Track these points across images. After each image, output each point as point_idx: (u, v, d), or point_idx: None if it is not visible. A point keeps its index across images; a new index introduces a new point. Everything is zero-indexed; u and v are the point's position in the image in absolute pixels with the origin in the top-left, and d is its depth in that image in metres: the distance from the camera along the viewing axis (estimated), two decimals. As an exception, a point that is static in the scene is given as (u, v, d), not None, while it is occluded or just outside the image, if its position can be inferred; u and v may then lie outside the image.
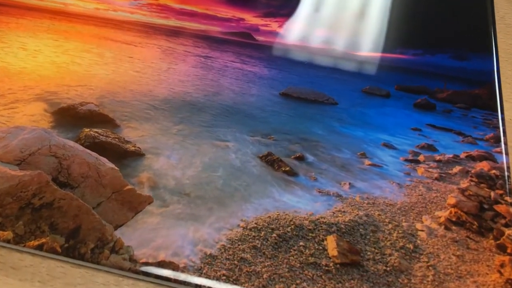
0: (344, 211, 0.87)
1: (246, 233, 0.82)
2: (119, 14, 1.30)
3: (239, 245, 0.79)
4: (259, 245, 0.79)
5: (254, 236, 0.81)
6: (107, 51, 1.20)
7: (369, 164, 0.95)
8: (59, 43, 1.21)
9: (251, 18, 1.29)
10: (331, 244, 0.82)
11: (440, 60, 1.19)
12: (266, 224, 0.84)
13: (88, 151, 0.99)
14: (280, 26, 1.28)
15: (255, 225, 0.83)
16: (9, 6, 1.32)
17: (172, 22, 1.29)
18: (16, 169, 1.08)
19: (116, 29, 1.25)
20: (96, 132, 1.01)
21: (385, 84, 1.14)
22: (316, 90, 1.08)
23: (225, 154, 0.99)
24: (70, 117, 1.05)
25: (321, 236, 0.83)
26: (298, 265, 0.74)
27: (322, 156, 0.96)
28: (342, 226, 0.85)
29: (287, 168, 0.92)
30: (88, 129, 1.02)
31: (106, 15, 1.30)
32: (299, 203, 0.87)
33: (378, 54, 1.20)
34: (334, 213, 0.87)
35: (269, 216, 0.85)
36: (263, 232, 0.85)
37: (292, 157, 0.96)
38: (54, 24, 1.28)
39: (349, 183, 0.94)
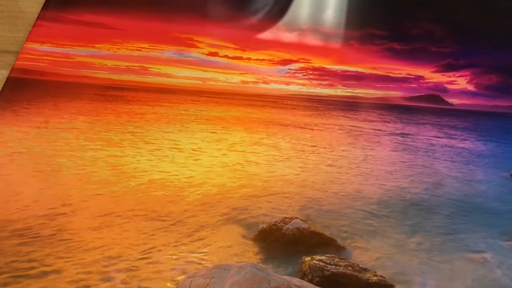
0: None
1: None
2: (273, 87, 1.07)
3: None
4: None
5: None
6: (281, 140, 0.98)
7: None
8: (218, 135, 0.99)
9: (430, 75, 1.08)
10: None
11: None
12: None
13: (323, 290, 0.78)
14: (469, 82, 1.06)
15: None
16: (136, 89, 1.09)
17: (340, 91, 1.07)
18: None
19: (278, 108, 1.03)
20: (321, 260, 0.81)
21: None
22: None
23: (488, 272, 0.79)
24: (276, 242, 0.84)
25: None
26: None
27: None
28: None
29: None
30: (309, 258, 0.81)
31: (257, 89, 1.07)
32: None
33: None
34: None
35: None
36: None
37: None
38: (201, 110, 1.05)
39: None
